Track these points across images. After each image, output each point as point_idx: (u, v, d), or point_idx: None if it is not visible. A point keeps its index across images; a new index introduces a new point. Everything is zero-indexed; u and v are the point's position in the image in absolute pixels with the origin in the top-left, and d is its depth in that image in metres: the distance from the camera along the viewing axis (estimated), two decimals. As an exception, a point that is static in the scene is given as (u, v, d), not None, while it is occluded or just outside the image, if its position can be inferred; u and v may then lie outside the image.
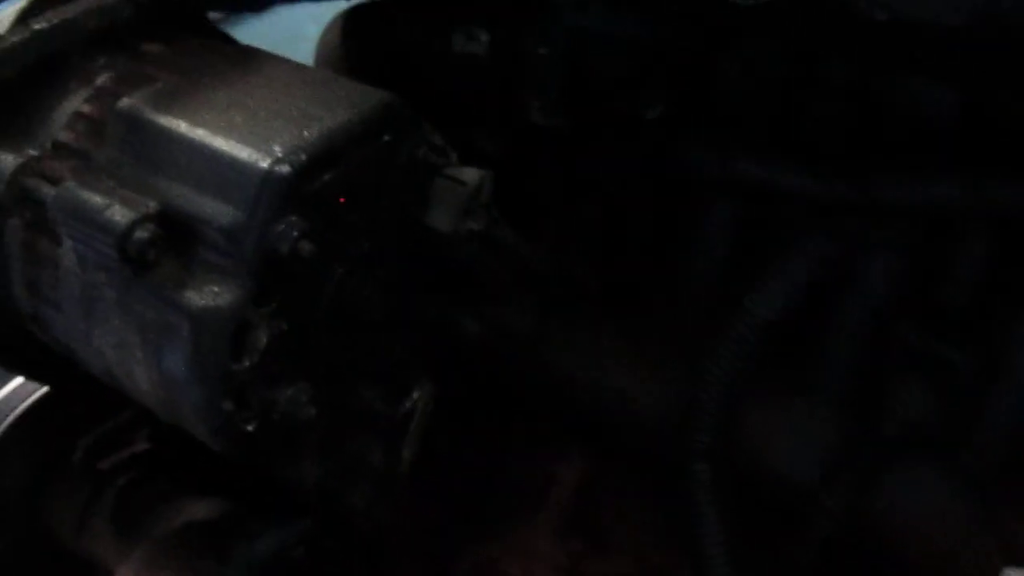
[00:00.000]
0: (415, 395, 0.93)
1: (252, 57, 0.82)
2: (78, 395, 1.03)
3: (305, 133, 0.70)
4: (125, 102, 0.73)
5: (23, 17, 0.76)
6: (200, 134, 0.70)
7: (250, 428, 0.74)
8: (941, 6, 0.62)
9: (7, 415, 1.10)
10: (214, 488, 1.11)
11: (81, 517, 1.10)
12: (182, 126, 0.71)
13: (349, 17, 1.09)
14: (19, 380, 1.10)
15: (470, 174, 0.81)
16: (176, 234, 0.70)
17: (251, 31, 1.17)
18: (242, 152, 0.68)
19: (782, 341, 1.00)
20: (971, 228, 0.91)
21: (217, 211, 0.69)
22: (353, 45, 1.06)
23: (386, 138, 0.76)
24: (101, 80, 0.78)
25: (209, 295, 0.69)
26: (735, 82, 0.94)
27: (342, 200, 0.73)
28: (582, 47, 0.87)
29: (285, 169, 0.68)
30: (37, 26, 0.75)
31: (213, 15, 0.93)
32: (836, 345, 0.99)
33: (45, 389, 1.10)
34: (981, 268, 0.93)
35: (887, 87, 0.88)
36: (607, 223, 1.08)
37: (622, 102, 0.89)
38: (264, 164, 0.67)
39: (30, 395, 1.11)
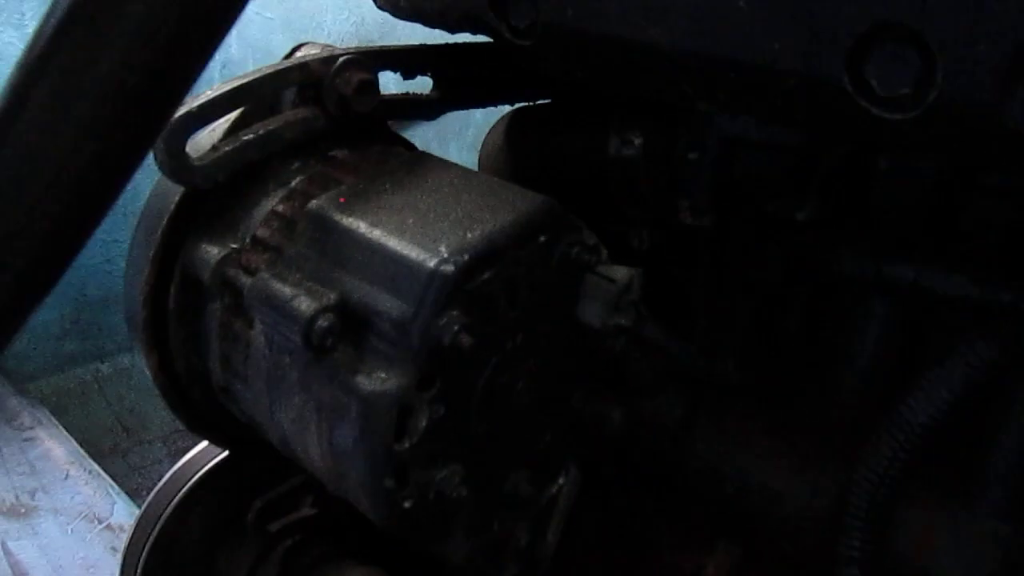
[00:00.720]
0: (561, 481, 0.96)
1: (425, 162, 0.91)
2: (255, 461, 1.13)
3: (469, 235, 0.77)
4: (314, 203, 0.83)
5: (233, 129, 0.87)
6: (376, 234, 0.78)
7: (407, 504, 0.80)
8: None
9: (192, 476, 1.22)
10: (371, 556, 1.17)
11: (249, 574, 1.19)
12: (361, 226, 0.79)
13: (513, 119, 1.17)
14: (204, 444, 1.22)
15: (621, 272, 0.85)
16: (352, 324, 0.77)
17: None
18: (412, 251, 0.76)
19: (944, 449, 0.97)
20: None
21: (389, 304, 0.76)
22: (516, 146, 1.14)
23: (543, 239, 0.81)
24: (295, 183, 0.88)
25: (378, 380, 0.75)
26: (890, 185, 0.94)
27: (499, 295, 0.79)
28: (731, 152, 0.90)
29: (450, 268, 0.74)
30: (246, 137, 0.86)
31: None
32: (1000, 453, 0.94)
33: (226, 454, 1.21)
34: None
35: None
36: (759, 322, 1.09)
37: (771, 205, 0.91)
38: (431, 263, 0.74)
39: (213, 459, 1.21)
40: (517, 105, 1.14)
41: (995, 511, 0.95)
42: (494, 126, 1.18)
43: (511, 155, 1.14)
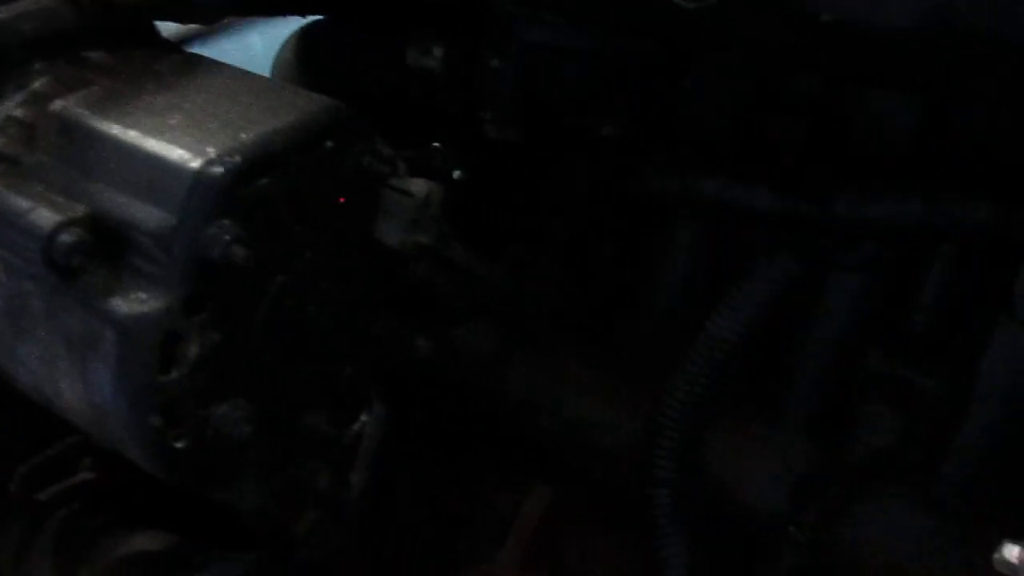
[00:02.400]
0: (364, 418, 0.90)
1: (196, 64, 0.80)
2: (15, 420, 0.99)
3: (242, 135, 0.68)
4: (57, 104, 0.71)
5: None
6: (132, 136, 0.68)
7: (181, 445, 0.71)
8: (888, 6, 0.60)
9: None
10: (161, 521, 1.06)
11: (18, 550, 1.05)
12: (114, 128, 0.69)
13: (304, 32, 1.07)
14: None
15: (418, 185, 0.78)
16: (106, 240, 0.67)
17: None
18: (174, 153, 0.66)
19: (748, 365, 0.97)
20: (937, 249, 0.90)
21: (147, 215, 0.66)
22: (307, 62, 1.05)
23: (329, 145, 0.73)
24: (37, 84, 0.76)
25: (136, 302, 0.65)
26: (695, 100, 0.93)
27: (281, 206, 0.70)
28: (535, 61, 0.86)
29: (217, 171, 0.65)
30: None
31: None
32: (802, 370, 0.96)
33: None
34: (948, 290, 0.91)
35: (848, 102, 0.86)
36: (572, 246, 1.06)
37: (576, 118, 0.88)
38: (195, 165, 0.65)
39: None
40: (310, 18, 1.05)
41: (798, 427, 0.97)
42: (285, 43, 1.09)
43: (303, 72, 1.05)
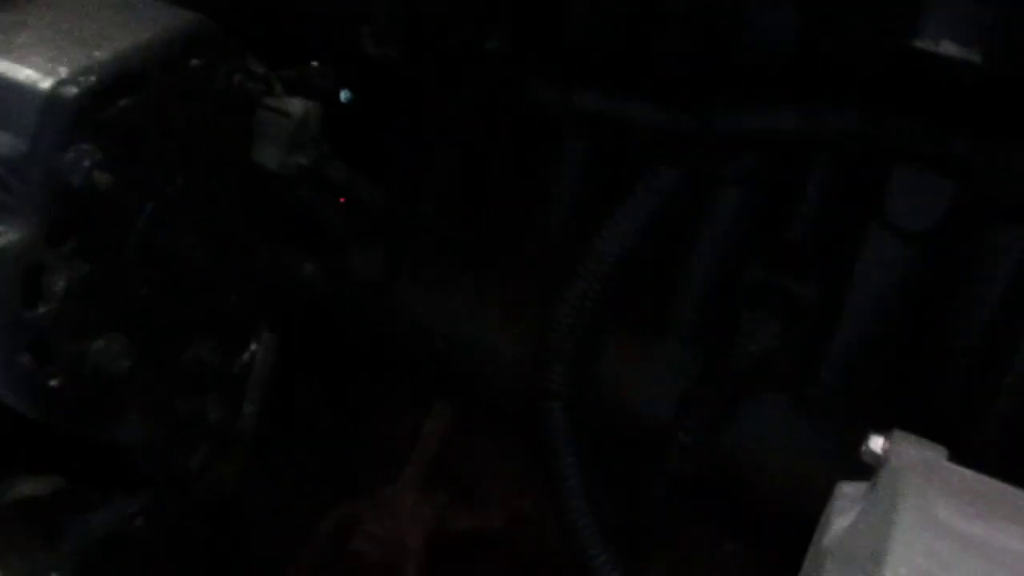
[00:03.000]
0: (253, 348, 0.88)
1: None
2: None
3: (97, 53, 0.64)
4: None
5: None
6: (-26, 56, 0.63)
7: (55, 384, 0.68)
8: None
9: None
10: (50, 466, 1.03)
11: None
12: (-47, 49, 0.63)
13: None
14: None
15: (295, 105, 0.76)
16: (-46, 171, 0.62)
17: None
18: (22, 74, 0.62)
19: (638, 279, 0.99)
20: (814, 161, 0.92)
21: (-2, 141, 0.62)
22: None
23: (195, 62, 0.70)
24: None
25: (-7, 235, 0.62)
26: (579, 12, 0.92)
27: (146, 129, 0.67)
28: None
29: (72, 91, 0.61)
30: None
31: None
32: (687, 282, 0.98)
33: None
34: (824, 200, 0.94)
35: (727, 15, 0.87)
36: (459, 164, 1.05)
37: (458, 31, 0.85)
38: (45, 86, 0.61)
39: None
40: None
41: (685, 337, 1.00)
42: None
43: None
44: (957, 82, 0.67)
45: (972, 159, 0.71)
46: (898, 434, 0.71)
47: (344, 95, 0.88)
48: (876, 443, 0.71)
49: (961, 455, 0.92)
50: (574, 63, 0.92)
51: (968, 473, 0.66)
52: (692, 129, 0.84)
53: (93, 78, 0.62)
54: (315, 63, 0.81)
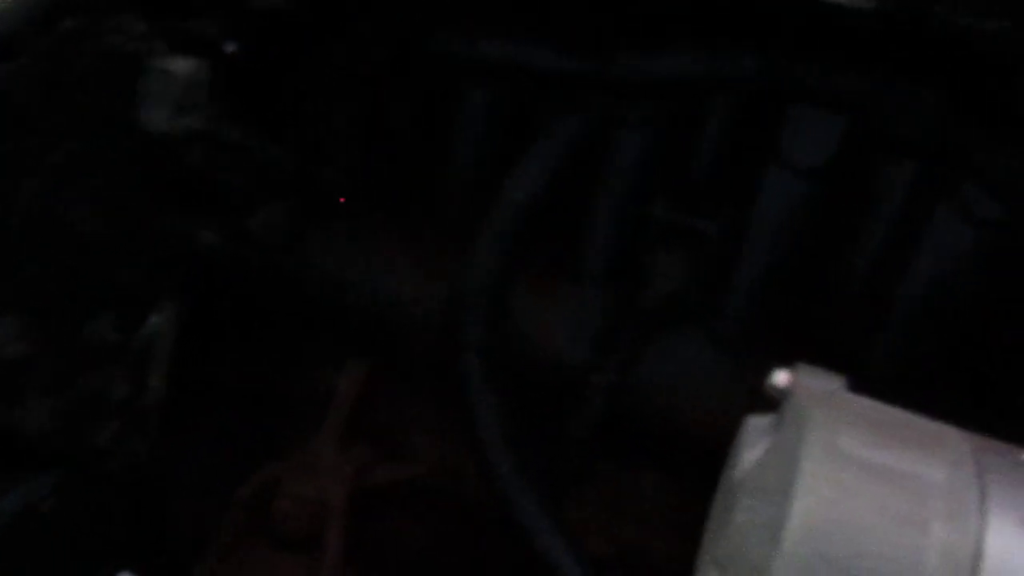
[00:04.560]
0: (154, 320, 0.85)
1: None
2: None
3: (-42, 20, 0.59)
4: None
5: None
6: None
7: (-57, 372, 0.64)
8: None
9: None
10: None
11: None
12: None
13: None
14: None
15: (181, 65, 0.72)
16: None
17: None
18: None
19: (548, 224, 0.99)
20: (713, 101, 0.93)
21: None
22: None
23: (68, 24, 0.65)
24: None
25: None
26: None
27: (20, 97, 0.63)
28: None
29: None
30: None
31: None
32: (596, 225, 0.99)
33: None
34: (724, 139, 0.96)
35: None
36: (361, 118, 1.02)
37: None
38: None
39: None
40: None
41: (596, 280, 1.01)
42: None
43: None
44: (848, 24, 0.68)
45: (862, 97, 0.73)
46: (801, 367, 0.74)
47: (230, 47, 0.84)
48: (780, 377, 0.74)
49: (860, 381, 0.97)
50: (475, 9, 0.91)
51: (867, 402, 0.69)
52: (593, 75, 0.83)
53: (-44, 47, 0.58)
54: (200, 17, 0.77)
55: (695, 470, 0.77)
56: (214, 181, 0.82)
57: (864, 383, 0.93)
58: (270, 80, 0.93)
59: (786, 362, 1.00)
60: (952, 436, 0.65)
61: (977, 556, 0.58)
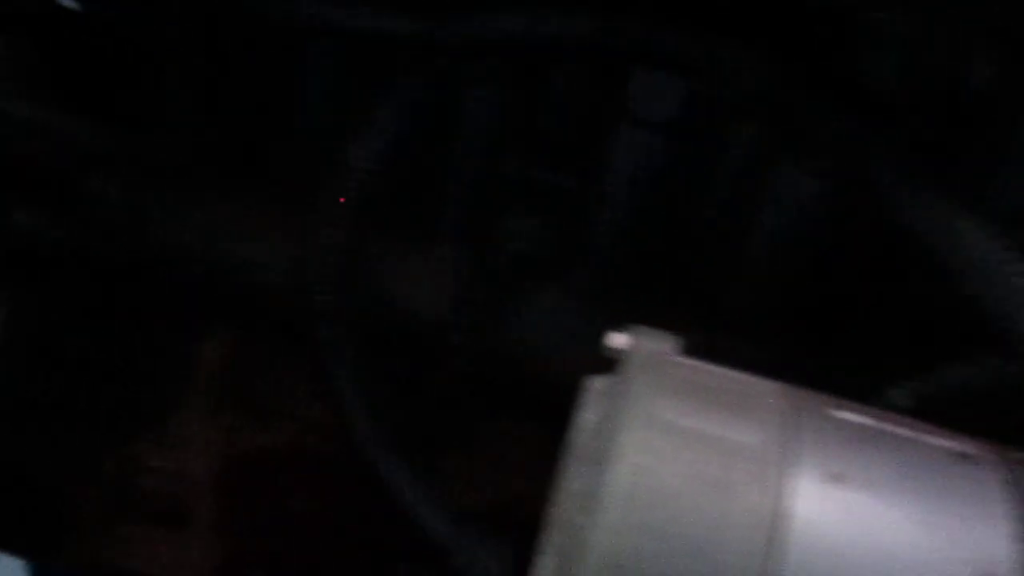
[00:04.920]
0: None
1: None
2: None
3: None
4: None
5: None
6: None
7: None
8: None
9: None
10: None
11: None
12: None
13: None
14: None
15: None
16: None
17: None
18: None
19: (406, 185, 0.98)
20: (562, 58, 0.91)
21: None
22: None
23: None
24: None
25: None
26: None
27: None
28: None
29: None
30: None
31: None
32: (449, 183, 0.98)
33: None
34: (575, 94, 0.95)
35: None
36: (198, 86, 0.97)
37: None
38: None
39: None
40: None
41: (453, 239, 1.00)
42: None
43: None
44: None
45: (697, 61, 0.72)
46: (637, 328, 0.75)
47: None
48: (617, 339, 0.75)
49: (715, 325, 0.99)
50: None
51: (693, 365, 0.71)
52: (426, 38, 0.80)
53: None
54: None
55: (566, 418, 0.77)
56: (15, 160, 0.77)
57: (713, 333, 0.95)
58: (90, 50, 0.88)
59: (646, 311, 1.01)
60: (770, 397, 0.67)
61: (781, 516, 0.60)
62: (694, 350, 0.98)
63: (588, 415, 0.72)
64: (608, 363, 0.74)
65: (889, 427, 0.66)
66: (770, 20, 0.72)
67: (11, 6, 0.70)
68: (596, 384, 0.74)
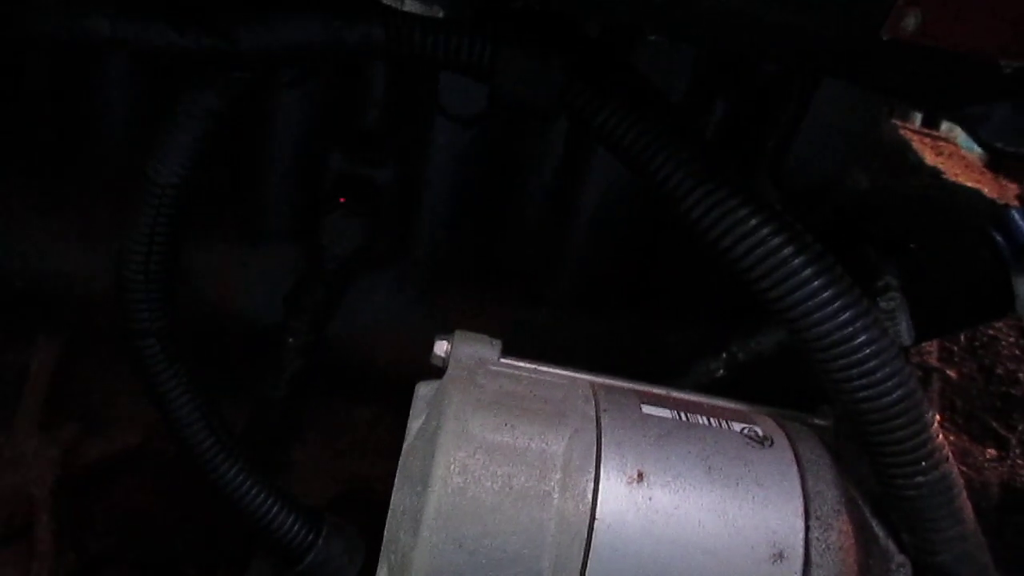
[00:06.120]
0: None
1: None
2: None
3: None
4: None
5: None
6: None
7: None
8: None
9: None
10: None
11: None
12: None
13: None
14: None
15: None
16: None
17: None
18: None
19: (226, 188, 0.95)
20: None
21: None
22: None
23: None
24: None
25: None
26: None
27: None
28: None
29: None
30: None
31: None
32: (271, 184, 0.96)
33: None
34: (390, 92, 0.94)
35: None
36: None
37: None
38: None
39: None
40: None
41: (280, 240, 0.98)
42: None
43: None
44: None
45: (491, 67, 0.72)
46: (459, 335, 0.77)
47: None
48: (440, 347, 0.77)
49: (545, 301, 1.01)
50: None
51: (509, 374, 0.73)
52: (215, 50, 0.77)
53: None
54: None
55: (403, 401, 0.79)
56: None
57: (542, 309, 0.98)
58: None
59: (477, 294, 1.03)
60: (578, 399, 0.70)
61: (591, 520, 0.64)
62: (524, 328, 1.01)
63: (416, 423, 0.74)
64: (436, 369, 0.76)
65: (690, 417, 0.71)
66: (559, 30, 0.72)
67: None
68: (423, 391, 0.76)
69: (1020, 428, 0.96)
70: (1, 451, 1.05)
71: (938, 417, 0.96)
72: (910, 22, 0.50)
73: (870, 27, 0.50)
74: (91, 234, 0.96)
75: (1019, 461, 0.94)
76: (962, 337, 1.00)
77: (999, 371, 0.98)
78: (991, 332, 1.01)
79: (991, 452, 0.95)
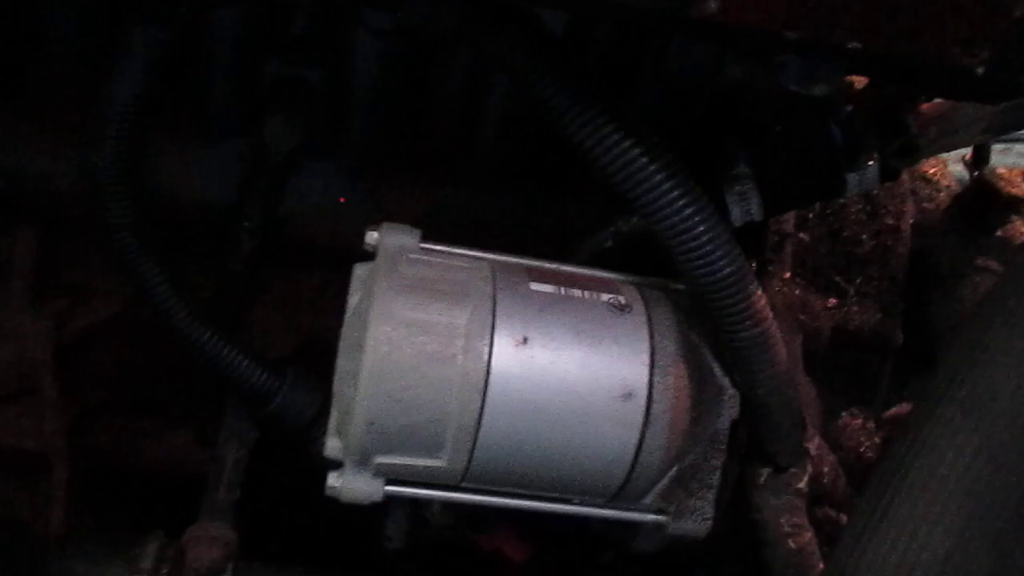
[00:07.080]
0: None
1: None
2: None
3: None
4: None
5: None
6: None
7: None
8: None
9: None
10: None
11: None
12: None
13: None
14: None
15: None
16: None
17: None
18: None
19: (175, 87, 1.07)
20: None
21: None
22: None
23: None
24: None
25: None
26: None
27: None
28: None
29: None
30: None
31: None
32: (218, 90, 1.09)
33: None
34: (317, 5, 1.05)
35: None
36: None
37: None
38: None
39: None
40: None
41: (231, 132, 1.12)
42: None
43: None
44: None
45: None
46: (386, 226, 0.95)
47: None
48: (371, 236, 0.94)
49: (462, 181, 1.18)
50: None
51: (425, 260, 0.91)
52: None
53: None
54: None
55: (345, 269, 0.96)
56: None
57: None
58: None
59: (403, 181, 1.19)
60: (479, 280, 0.89)
61: (487, 374, 0.84)
62: (446, 206, 1.18)
63: (353, 300, 0.92)
64: (367, 254, 0.94)
65: (568, 291, 0.90)
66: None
67: None
68: (358, 272, 0.94)
69: (857, 281, 1.17)
70: (1, 325, 1.21)
71: (788, 274, 1.17)
72: (711, 5, 0.65)
73: (680, 6, 0.66)
74: (62, 139, 1.09)
75: (853, 308, 1.15)
76: (817, 205, 1.19)
77: (846, 233, 1.18)
78: (841, 200, 1.19)
79: (832, 301, 1.16)
